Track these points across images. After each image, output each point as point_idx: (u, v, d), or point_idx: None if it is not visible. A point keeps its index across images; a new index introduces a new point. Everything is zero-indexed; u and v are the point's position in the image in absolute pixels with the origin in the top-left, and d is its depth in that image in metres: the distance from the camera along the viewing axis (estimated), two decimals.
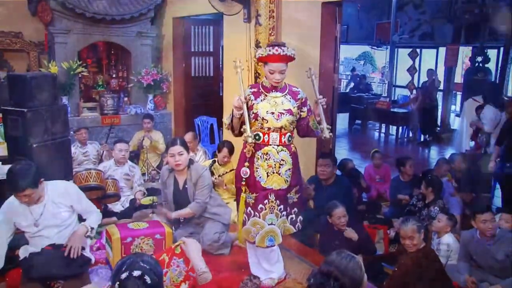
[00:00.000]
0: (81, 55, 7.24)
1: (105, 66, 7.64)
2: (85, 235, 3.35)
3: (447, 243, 3.98)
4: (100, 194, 4.80)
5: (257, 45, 5.18)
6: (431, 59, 12.70)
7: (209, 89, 8.28)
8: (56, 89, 4.97)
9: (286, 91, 3.47)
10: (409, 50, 11.25)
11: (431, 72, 9.99)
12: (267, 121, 3.38)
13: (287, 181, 3.46)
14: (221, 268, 3.90)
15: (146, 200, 5.08)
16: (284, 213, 3.51)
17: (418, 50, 11.48)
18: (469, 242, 3.80)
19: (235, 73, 3.48)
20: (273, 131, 3.40)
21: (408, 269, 3.41)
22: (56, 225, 3.29)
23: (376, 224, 4.86)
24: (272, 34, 5.14)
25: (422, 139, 9.98)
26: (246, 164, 3.44)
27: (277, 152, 3.41)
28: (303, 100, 3.49)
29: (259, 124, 3.40)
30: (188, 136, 5.96)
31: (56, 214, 3.27)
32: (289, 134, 3.45)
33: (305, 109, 3.49)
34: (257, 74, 5.24)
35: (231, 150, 5.31)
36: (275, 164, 3.42)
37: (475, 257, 3.78)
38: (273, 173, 3.43)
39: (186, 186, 4.14)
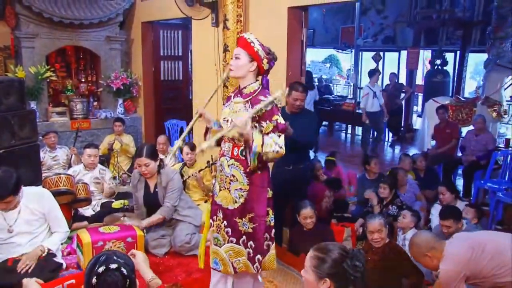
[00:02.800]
0: (49, 60, 7.07)
1: (74, 70, 7.48)
2: (40, 255, 3.20)
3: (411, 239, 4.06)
4: (70, 199, 4.67)
5: (225, 49, 5.17)
6: (394, 62, 12.97)
7: (179, 93, 8.24)
8: (23, 94, 4.82)
9: (249, 98, 2.91)
10: (373, 53, 11.46)
11: (393, 76, 10.19)
12: (223, 128, 2.96)
13: (236, 201, 2.93)
14: (193, 269, 3.87)
15: (117, 204, 4.99)
16: (234, 239, 2.97)
17: (381, 53, 11.70)
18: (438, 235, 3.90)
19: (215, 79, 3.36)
20: (227, 141, 2.97)
21: (376, 264, 3.48)
22: (29, 232, 3.21)
23: (344, 222, 4.92)
24: (242, 34, 5.13)
25: (386, 139, 10.16)
26: (213, 174, 3.32)
27: (228, 166, 2.95)
28: (264, 113, 2.82)
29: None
30: (162, 139, 6.03)
31: (30, 220, 3.19)
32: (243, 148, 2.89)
33: (265, 124, 2.83)
34: (226, 77, 5.22)
35: (192, 148, 5.33)
36: (225, 178, 2.96)
37: None
38: (224, 188, 2.98)
39: (156, 189, 4.10)
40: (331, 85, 14.65)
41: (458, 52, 10.62)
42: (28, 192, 3.25)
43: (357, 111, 10.62)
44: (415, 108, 11.87)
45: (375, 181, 5.28)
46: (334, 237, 4.31)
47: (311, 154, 5.69)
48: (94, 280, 1.79)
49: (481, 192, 5.86)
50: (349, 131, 11.30)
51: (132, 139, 6.80)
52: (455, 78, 10.69)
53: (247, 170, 2.90)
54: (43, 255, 3.20)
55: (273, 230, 3.07)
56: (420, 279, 3.53)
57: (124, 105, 7.60)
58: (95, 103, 7.51)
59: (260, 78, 3.02)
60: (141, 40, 7.65)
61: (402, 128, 10.44)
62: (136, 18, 7.67)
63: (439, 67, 10.58)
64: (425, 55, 12.13)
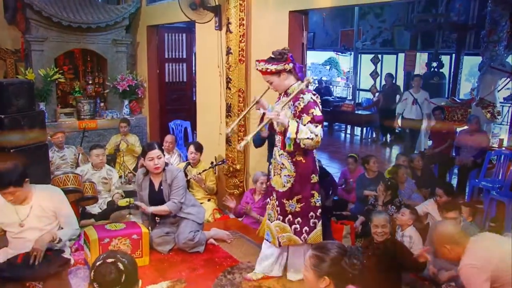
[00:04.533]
0: (58, 62, 7.09)
1: (82, 72, 7.50)
2: (50, 241, 3.14)
3: (409, 235, 4.06)
4: (78, 197, 4.71)
5: (228, 52, 5.18)
6: (392, 64, 12.95)
7: (183, 94, 8.24)
8: (33, 95, 4.86)
9: (291, 96, 3.25)
10: (371, 55, 11.45)
11: (389, 77, 10.17)
12: (274, 124, 3.35)
13: (285, 185, 3.36)
14: (197, 266, 3.89)
15: (123, 202, 5.01)
16: (281, 217, 3.41)
17: (379, 55, 11.69)
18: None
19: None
20: (278, 134, 3.38)
21: (377, 260, 3.48)
22: (39, 228, 3.20)
23: (343, 220, 4.93)
24: (242, 41, 5.15)
25: (383, 139, 10.15)
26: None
27: (279, 155, 3.38)
28: (302, 107, 3.18)
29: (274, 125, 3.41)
30: (170, 137, 6.07)
31: (41, 217, 3.19)
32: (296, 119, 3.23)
33: (304, 116, 3.17)
34: (228, 79, 5.25)
35: (198, 148, 5.33)
36: (277, 165, 3.40)
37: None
38: (277, 173, 3.41)
39: (161, 187, 4.11)
40: (330, 86, 14.65)
41: (453, 55, 10.61)
42: (40, 189, 3.25)
43: (356, 112, 10.64)
44: None
45: (374, 179, 5.28)
46: (332, 235, 4.31)
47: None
48: (92, 273, 1.81)
49: (476, 190, 5.86)
50: (348, 131, 11.30)
51: (138, 139, 6.82)
52: (451, 80, 10.68)
53: (286, 151, 3.29)
54: (55, 242, 3.15)
55: (319, 210, 3.45)
56: (421, 271, 3.53)
57: (130, 106, 7.61)
58: (102, 104, 7.53)
59: (294, 72, 3.32)
60: (146, 43, 7.66)
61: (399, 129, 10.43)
62: (141, 22, 7.68)
63: (435, 69, 10.58)
64: (422, 57, 12.11)
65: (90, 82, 7.49)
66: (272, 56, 3.28)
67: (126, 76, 7.37)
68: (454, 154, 6.42)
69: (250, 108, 3.64)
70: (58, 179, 4.61)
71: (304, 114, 3.16)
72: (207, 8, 5.45)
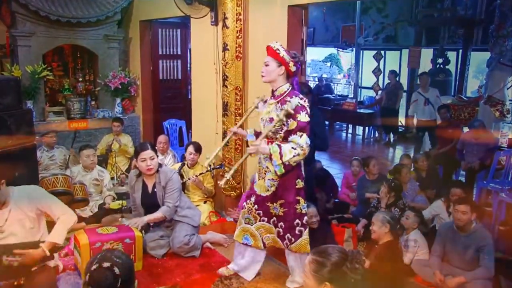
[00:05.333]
0: (46, 59, 7.06)
1: (71, 69, 7.47)
2: (42, 259, 3.11)
3: (414, 239, 4.07)
4: (67, 200, 4.68)
5: (225, 48, 5.18)
6: (395, 60, 12.98)
7: (178, 92, 8.23)
8: (20, 93, 4.83)
9: (280, 99, 3.34)
10: (374, 52, 11.47)
11: (393, 74, 10.19)
12: (261, 127, 3.47)
13: (268, 189, 3.43)
14: (192, 271, 3.89)
15: (115, 205, 5.00)
16: (265, 219, 3.49)
17: (382, 52, 11.71)
18: (446, 233, 3.90)
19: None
20: (263, 137, 3.37)
21: (383, 259, 3.50)
22: (22, 233, 3.18)
23: (345, 223, 4.93)
24: (240, 36, 5.14)
25: (386, 139, 10.17)
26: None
27: (264, 158, 3.44)
28: (287, 113, 3.21)
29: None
30: (163, 138, 6.05)
31: (21, 220, 3.17)
32: (275, 143, 3.27)
33: (290, 121, 3.23)
34: (225, 76, 5.24)
35: (197, 149, 5.32)
36: (262, 169, 3.49)
37: (448, 248, 3.86)
38: (261, 177, 3.50)
39: (155, 189, 4.10)
40: (331, 84, 14.67)
41: (460, 51, 10.62)
42: (17, 191, 3.23)
43: (357, 110, 10.65)
44: None
45: (375, 181, 5.29)
46: (334, 239, 4.31)
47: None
48: (87, 277, 1.81)
49: (484, 192, 5.85)
50: (350, 130, 11.31)
51: (131, 139, 6.81)
52: (457, 77, 10.70)
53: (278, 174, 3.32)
54: (48, 254, 3.10)
55: (305, 218, 3.48)
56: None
57: (122, 105, 7.60)
58: (93, 103, 7.50)
59: (290, 80, 3.41)
60: (139, 39, 7.65)
61: (402, 128, 10.45)
62: (134, 17, 7.67)
63: (441, 66, 10.60)
64: (427, 54, 12.13)
65: (81, 79, 7.47)
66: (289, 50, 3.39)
67: (118, 73, 7.35)
68: (458, 157, 6.37)
69: (228, 139, 3.80)
70: (47, 180, 4.59)
71: (291, 119, 3.22)
72: (202, 3, 5.45)
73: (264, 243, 3.56)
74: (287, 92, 3.34)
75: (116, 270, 1.81)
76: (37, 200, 3.23)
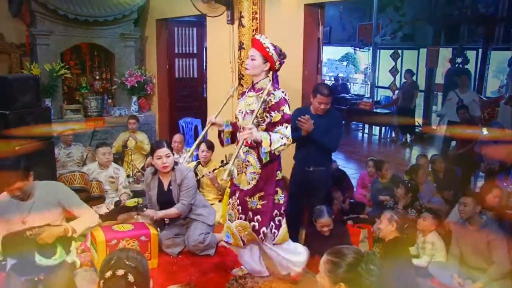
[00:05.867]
0: (64, 57, 7.17)
1: (89, 68, 7.58)
2: (61, 235, 3.13)
3: (431, 242, 4.02)
4: (84, 196, 4.74)
5: (241, 47, 5.19)
6: (413, 60, 12.86)
7: (193, 91, 8.28)
8: (38, 91, 4.91)
9: (261, 92, 3.37)
10: (391, 51, 11.37)
11: (409, 73, 10.09)
12: (238, 120, 3.48)
13: (249, 183, 3.42)
14: (207, 269, 3.91)
15: (131, 202, 5.05)
16: (243, 216, 3.47)
17: (399, 51, 11.61)
18: (457, 230, 3.89)
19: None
20: (241, 130, 3.39)
21: (389, 256, 3.49)
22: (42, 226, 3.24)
23: (360, 224, 4.91)
24: (255, 35, 5.15)
25: (403, 139, 10.08)
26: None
27: (243, 152, 3.42)
28: (273, 103, 3.29)
29: (237, 122, 3.52)
30: (178, 137, 6.03)
31: (44, 213, 3.22)
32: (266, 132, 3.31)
33: (274, 114, 3.29)
34: (240, 75, 5.26)
35: (209, 146, 5.34)
36: (242, 163, 3.45)
37: (462, 247, 3.84)
38: (241, 172, 3.46)
39: (170, 187, 4.14)
40: (347, 83, 14.60)
41: (480, 50, 10.48)
42: (42, 184, 3.29)
43: (374, 110, 10.59)
44: (434, 107, 11.76)
45: (388, 184, 5.25)
46: (350, 239, 4.29)
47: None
48: (101, 284, 1.82)
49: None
50: (366, 130, 11.25)
51: (146, 137, 6.86)
52: (477, 77, 10.55)
53: (262, 162, 3.33)
54: (69, 234, 3.17)
55: (283, 208, 3.54)
56: None
57: (138, 103, 7.67)
58: (109, 101, 7.59)
59: (270, 74, 3.46)
60: (155, 38, 7.72)
61: (420, 128, 10.36)
62: (150, 16, 7.74)
63: (460, 65, 10.46)
64: (446, 53, 12.00)
65: (97, 77, 7.56)
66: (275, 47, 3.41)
67: (134, 71, 7.43)
68: (477, 159, 6.28)
69: (206, 130, 3.67)
70: (64, 177, 4.66)
71: (275, 111, 3.28)
72: (218, 1, 5.47)
73: (243, 241, 3.53)
74: (269, 85, 3.38)
75: (130, 278, 1.80)
76: (60, 196, 3.29)
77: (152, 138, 7.39)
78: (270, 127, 3.33)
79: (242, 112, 3.45)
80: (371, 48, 13.07)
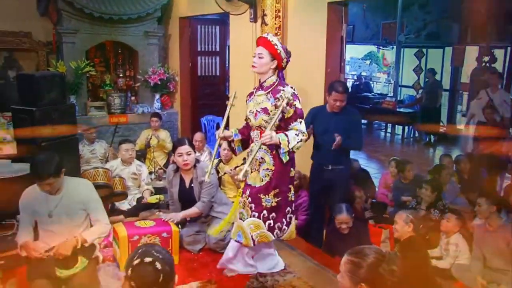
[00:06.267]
0: (89, 55, 7.28)
1: (113, 65, 7.68)
2: (75, 246, 3.14)
3: (455, 243, 3.96)
4: (107, 193, 4.81)
5: None
6: (437, 59, 12.65)
7: (215, 89, 8.31)
8: (64, 88, 5.01)
9: (270, 89, 3.41)
10: (415, 50, 11.21)
11: (431, 72, 9.91)
12: (250, 120, 3.51)
13: (263, 180, 3.43)
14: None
15: (152, 199, 5.11)
16: (256, 213, 3.46)
17: (424, 50, 11.43)
18: (478, 232, 3.86)
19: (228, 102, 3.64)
20: (254, 129, 3.49)
21: (405, 255, 3.45)
22: (67, 222, 3.28)
23: (382, 224, 4.86)
24: (278, 33, 5.14)
25: (426, 139, 9.94)
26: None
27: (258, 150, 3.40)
28: (285, 106, 3.25)
29: (249, 122, 3.56)
30: (199, 136, 6.06)
31: (69, 210, 3.27)
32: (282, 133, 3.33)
33: (288, 110, 3.29)
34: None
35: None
36: (255, 161, 3.44)
37: (484, 248, 3.78)
38: (255, 169, 3.47)
39: (192, 185, 4.17)
40: (370, 82, 14.45)
41: (508, 48, 10.24)
42: (71, 181, 3.35)
43: (397, 109, 10.46)
44: (459, 107, 11.55)
45: (409, 185, 5.18)
46: (370, 239, 4.26)
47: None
48: (129, 271, 1.85)
49: None
50: (389, 130, 11.13)
51: (169, 134, 6.91)
52: (505, 76, 10.31)
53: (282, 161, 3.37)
54: (78, 246, 3.19)
55: (293, 204, 3.63)
56: None
57: (161, 100, 7.74)
58: (133, 98, 7.68)
59: (277, 72, 3.47)
60: (178, 36, 7.77)
61: (444, 129, 10.18)
62: (173, 14, 7.79)
63: (487, 64, 10.24)
64: (472, 51, 11.76)
65: (121, 75, 7.66)
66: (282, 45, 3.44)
67: (157, 69, 7.50)
68: (504, 160, 6.13)
69: (217, 146, 3.70)
70: (88, 173, 4.73)
71: (287, 107, 3.28)
72: None
73: (253, 240, 3.50)
74: (276, 82, 3.43)
75: (158, 265, 1.84)
76: (85, 197, 3.34)
77: (174, 136, 7.44)
78: (284, 124, 3.37)
79: (253, 112, 3.47)
80: (394, 47, 12.91)
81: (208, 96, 8.22)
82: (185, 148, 4.06)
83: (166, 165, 6.32)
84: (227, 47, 7.99)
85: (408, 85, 12.69)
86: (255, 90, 3.57)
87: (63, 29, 6.86)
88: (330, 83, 4.32)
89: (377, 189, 5.86)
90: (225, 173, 5.26)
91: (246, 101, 3.63)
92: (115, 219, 4.69)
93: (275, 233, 3.51)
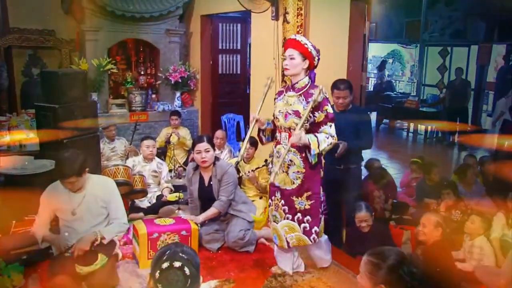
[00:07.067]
0: (111, 52, 7.35)
1: (134, 63, 7.74)
2: (93, 241, 3.21)
3: (480, 246, 3.86)
4: (127, 190, 4.85)
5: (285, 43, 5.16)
6: (462, 57, 12.42)
7: (236, 87, 8.31)
8: (86, 85, 5.06)
9: (302, 91, 3.38)
10: (440, 48, 11.02)
11: (459, 71, 9.72)
12: (279, 120, 3.46)
13: (294, 182, 3.44)
14: (246, 266, 3.92)
15: (172, 197, 5.13)
16: (290, 216, 3.48)
17: (448, 48, 11.23)
18: None
19: (263, 86, 3.60)
20: (283, 131, 3.45)
21: (431, 259, 3.39)
22: (89, 219, 3.33)
23: (403, 225, 4.79)
24: (300, 31, 5.11)
25: (450, 139, 9.77)
26: (269, 160, 3.62)
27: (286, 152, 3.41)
28: (317, 103, 3.29)
29: (277, 122, 3.51)
30: (220, 133, 6.05)
31: (92, 208, 3.32)
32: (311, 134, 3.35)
33: (317, 114, 3.33)
34: (284, 72, 5.22)
35: (252, 143, 5.33)
36: (284, 164, 3.42)
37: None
38: (282, 171, 3.45)
39: (211, 182, 4.17)
40: (393, 81, 14.28)
41: None
42: (93, 179, 3.39)
43: (420, 109, 10.31)
44: (484, 107, 11.32)
45: (435, 187, 5.09)
46: (392, 240, 4.20)
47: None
48: (157, 274, 1.84)
49: None
50: (411, 129, 10.97)
51: (189, 132, 6.94)
52: None
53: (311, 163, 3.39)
54: (97, 242, 3.24)
55: (323, 205, 3.64)
56: None
57: (182, 98, 7.77)
58: (153, 96, 7.73)
59: (308, 73, 3.45)
60: (200, 33, 7.79)
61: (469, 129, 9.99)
62: (195, 11, 7.82)
63: None
64: (499, 50, 11.51)
65: (142, 72, 7.71)
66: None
67: (178, 67, 7.53)
68: None
69: (253, 127, 3.55)
70: (109, 171, 4.78)
71: (319, 111, 3.32)
72: None
73: (288, 243, 3.52)
74: (308, 85, 3.40)
75: (187, 270, 1.83)
76: (107, 196, 3.38)
77: (194, 133, 7.47)
78: (314, 127, 3.36)
79: (283, 113, 3.43)
80: (418, 45, 12.72)
81: (228, 94, 8.22)
82: (204, 145, 4.06)
83: (186, 163, 6.35)
84: (248, 45, 7.98)
85: (432, 84, 12.49)
86: (285, 90, 3.52)
87: (86, 26, 6.93)
88: (333, 83, 4.30)
89: (398, 189, 5.78)
90: (244, 173, 5.25)
91: (275, 99, 3.59)
92: (135, 217, 4.75)
93: (312, 237, 3.50)
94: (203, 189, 4.23)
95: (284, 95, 3.49)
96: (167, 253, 1.88)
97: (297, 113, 3.34)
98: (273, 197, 3.56)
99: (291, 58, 3.37)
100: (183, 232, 3.87)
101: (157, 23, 7.40)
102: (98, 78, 6.95)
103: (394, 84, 14.21)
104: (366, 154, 7.06)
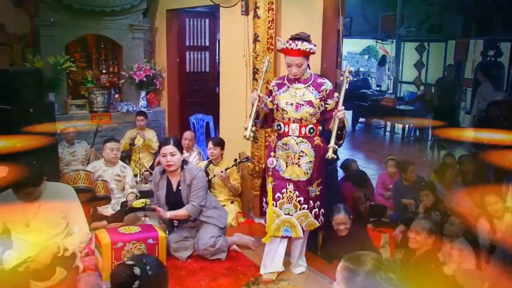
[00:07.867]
0: (69, 49, 7.21)
1: (95, 61, 7.62)
2: (56, 254, 3.16)
3: (459, 248, 3.96)
4: (89, 197, 4.78)
5: (256, 39, 5.18)
6: (440, 53, 12.71)
7: (205, 85, 8.29)
8: (42, 85, 4.96)
9: (310, 82, 3.62)
10: (417, 44, 11.25)
11: (450, 68, 9.89)
12: (287, 112, 3.62)
13: (307, 173, 3.64)
14: (217, 274, 3.92)
15: (138, 203, 5.06)
16: (305, 206, 3.68)
17: (425, 44, 11.46)
18: None
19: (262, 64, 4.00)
20: (293, 122, 3.63)
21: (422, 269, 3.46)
22: (46, 231, 3.26)
23: (381, 228, 4.86)
24: (271, 27, 5.14)
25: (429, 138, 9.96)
26: (272, 154, 3.73)
27: (297, 144, 3.63)
28: (328, 92, 3.62)
29: (280, 115, 3.67)
30: (189, 134, 6.05)
31: (49, 218, 3.25)
32: (311, 126, 3.64)
33: (330, 101, 3.62)
34: (255, 69, 5.25)
35: (216, 143, 5.34)
36: (294, 155, 3.64)
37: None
38: (292, 163, 3.64)
39: (179, 187, 4.15)
40: (369, 78, 14.50)
41: None
42: (51, 187, 3.31)
43: (397, 107, 10.49)
44: (462, 104, 11.60)
45: (411, 187, 5.19)
46: (372, 243, 4.25)
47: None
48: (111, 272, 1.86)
49: None
50: (388, 128, 11.16)
51: (155, 134, 6.89)
52: (511, 71, 10.39)
53: (315, 144, 3.65)
54: (59, 254, 3.19)
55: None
56: None
57: (147, 98, 7.70)
58: (117, 96, 7.63)
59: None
60: (165, 29, 7.73)
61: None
62: (160, 6, 7.75)
63: (492, 58, 10.30)
64: (476, 45, 11.82)
65: (104, 71, 7.60)
66: (299, 36, 3.54)
67: (143, 65, 7.45)
68: None
69: (256, 106, 3.62)
70: (68, 176, 4.70)
71: (331, 99, 3.63)
72: None
73: (303, 230, 3.73)
74: (312, 76, 3.68)
75: (136, 271, 1.83)
76: (66, 203, 3.31)
77: (161, 135, 7.41)
78: (326, 115, 3.64)
79: (293, 104, 3.59)
80: (394, 41, 12.96)
81: (197, 93, 8.19)
82: (170, 148, 4.04)
83: (153, 167, 6.29)
84: (217, 41, 7.98)
85: (409, 81, 12.74)
86: (287, 82, 3.69)
87: (41, 21, 6.77)
88: None
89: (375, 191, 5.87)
90: (214, 176, 5.25)
91: (272, 91, 3.76)
92: (98, 225, 4.68)
93: (319, 219, 3.80)
94: (171, 195, 4.20)
95: (289, 87, 3.66)
96: (133, 256, 1.90)
97: (310, 103, 3.57)
98: (283, 190, 3.67)
99: (299, 66, 3.54)
100: (150, 241, 3.83)
101: (120, 18, 7.30)
102: (55, 77, 6.81)
103: (370, 81, 14.43)
104: (342, 154, 7.17)
